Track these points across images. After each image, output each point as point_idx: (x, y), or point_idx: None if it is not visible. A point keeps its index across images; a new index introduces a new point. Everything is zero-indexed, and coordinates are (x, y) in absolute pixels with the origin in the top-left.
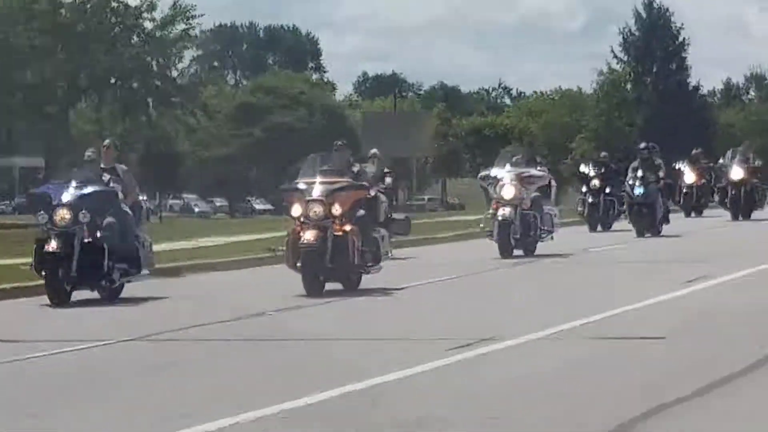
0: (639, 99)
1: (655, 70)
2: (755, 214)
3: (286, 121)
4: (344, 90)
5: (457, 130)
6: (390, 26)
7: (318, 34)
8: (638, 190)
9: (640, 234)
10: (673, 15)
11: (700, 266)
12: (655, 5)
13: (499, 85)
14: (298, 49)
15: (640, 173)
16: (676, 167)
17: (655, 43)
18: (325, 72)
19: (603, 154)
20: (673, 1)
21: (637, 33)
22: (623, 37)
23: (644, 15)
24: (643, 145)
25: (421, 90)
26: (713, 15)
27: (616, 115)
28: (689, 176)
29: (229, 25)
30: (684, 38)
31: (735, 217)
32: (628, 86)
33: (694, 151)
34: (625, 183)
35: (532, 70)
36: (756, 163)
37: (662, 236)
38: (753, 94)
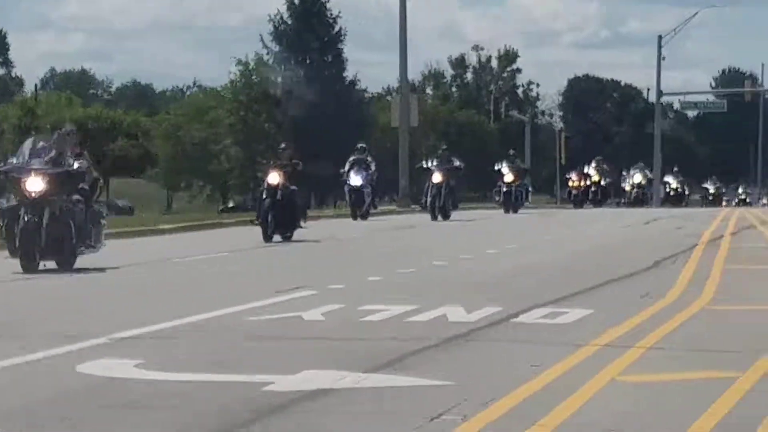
0: (290, 93)
1: (308, 61)
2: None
3: None
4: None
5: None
6: (98, 27)
7: (6, 29)
8: None
9: None
10: (329, 2)
11: None
12: None
13: (194, 83)
14: None
15: None
16: None
17: (309, 33)
18: (12, 67)
19: None
20: None
21: (289, 21)
22: (274, 26)
23: (296, 1)
24: None
25: (111, 87)
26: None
27: (254, 111)
28: None
29: None
30: (341, 28)
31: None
32: (279, 79)
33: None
34: None
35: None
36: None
37: None
38: (430, 92)
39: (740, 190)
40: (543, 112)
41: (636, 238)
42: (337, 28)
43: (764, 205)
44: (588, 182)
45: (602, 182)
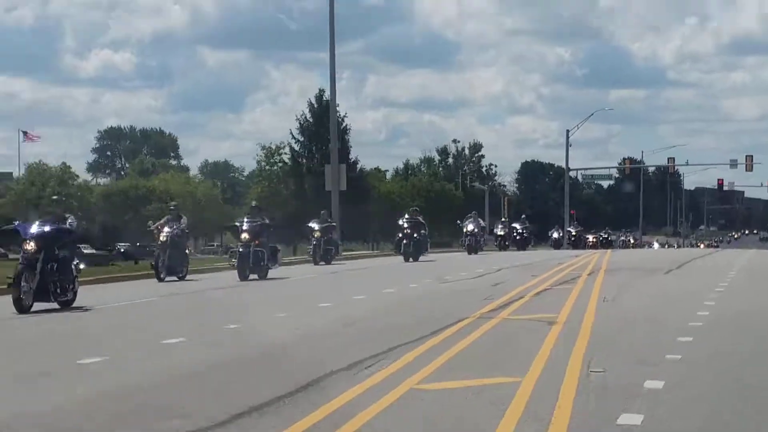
0: (309, 170)
1: (323, 148)
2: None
3: None
4: None
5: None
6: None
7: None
8: None
9: None
10: (339, 106)
11: None
12: (324, 98)
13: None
14: None
15: None
16: None
17: (323, 128)
18: (181, 159)
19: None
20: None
21: (311, 119)
22: (299, 123)
23: (315, 105)
24: None
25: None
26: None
27: (275, 183)
28: None
29: None
30: (346, 125)
31: None
32: (303, 161)
33: None
34: None
35: None
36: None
37: None
38: (424, 170)
39: (603, 233)
40: (499, 184)
41: (424, 296)
42: (344, 125)
43: (623, 242)
44: (402, 234)
45: (415, 235)
